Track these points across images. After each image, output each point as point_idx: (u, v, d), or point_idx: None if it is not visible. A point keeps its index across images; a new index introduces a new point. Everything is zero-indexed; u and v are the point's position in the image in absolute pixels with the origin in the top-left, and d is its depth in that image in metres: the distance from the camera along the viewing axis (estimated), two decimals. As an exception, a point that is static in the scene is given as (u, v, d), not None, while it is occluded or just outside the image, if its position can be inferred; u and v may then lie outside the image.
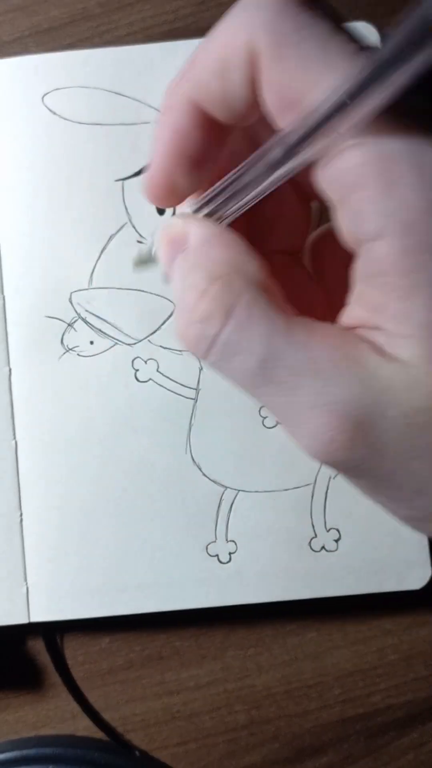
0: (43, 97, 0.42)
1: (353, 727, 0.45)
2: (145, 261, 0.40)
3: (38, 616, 0.42)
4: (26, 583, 0.42)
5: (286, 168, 0.26)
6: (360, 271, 0.25)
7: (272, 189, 0.27)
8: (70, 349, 0.42)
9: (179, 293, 0.28)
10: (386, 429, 0.24)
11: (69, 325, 0.42)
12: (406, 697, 0.45)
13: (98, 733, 0.44)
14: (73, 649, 0.45)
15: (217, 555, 0.42)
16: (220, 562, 0.42)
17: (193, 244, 0.28)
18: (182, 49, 0.41)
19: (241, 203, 0.28)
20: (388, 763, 0.45)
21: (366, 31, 0.40)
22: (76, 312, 0.42)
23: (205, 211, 0.29)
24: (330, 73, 0.24)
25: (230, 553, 0.42)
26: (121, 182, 0.42)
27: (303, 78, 0.24)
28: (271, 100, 0.25)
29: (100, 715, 0.45)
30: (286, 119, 0.25)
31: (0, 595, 0.42)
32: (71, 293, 0.42)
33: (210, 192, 0.29)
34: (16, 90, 0.42)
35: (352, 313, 0.26)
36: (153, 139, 0.29)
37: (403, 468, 0.25)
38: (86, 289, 0.42)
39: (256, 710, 0.45)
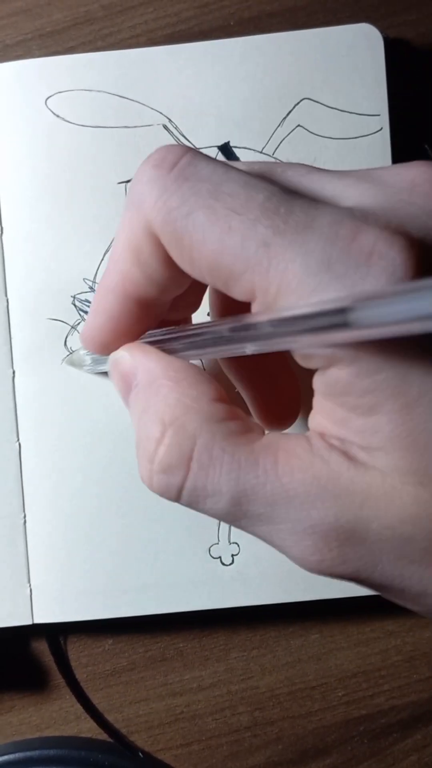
0: (46, 101, 0.42)
1: (357, 728, 0.45)
2: (78, 368, 0.41)
3: (42, 617, 0.42)
4: (30, 585, 0.42)
5: (234, 349, 0.25)
6: (318, 386, 0.24)
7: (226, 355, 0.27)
8: (74, 351, 0.42)
9: (137, 435, 0.27)
10: (373, 541, 0.24)
11: (72, 327, 0.42)
12: (410, 699, 0.45)
13: (102, 735, 0.45)
14: (77, 651, 0.45)
15: (219, 557, 0.42)
16: (223, 564, 0.42)
17: (142, 383, 0.28)
18: (185, 51, 0.41)
19: (193, 353, 0.28)
20: (391, 765, 0.45)
21: (367, 31, 0.40)
22: (79, 314, 0.42)
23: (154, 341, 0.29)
24: (232, 236, 0.23)
25: (233, 555, 0.42)
26: (124, 185, 0.42)
27: (207, 247, 0.24)
28: (187, 269, 0.25)
29: (104, 717, 0.45)
30: (213, 282, 0.25)
31: (3, 596, 0.42)
32: (74, 296, 0.42)
33: (162, 332, 0.29)
34: (19, 93, 0.42)
35: (318, 422, 0.25)
36: (87, 318, 0.30)
37: (400, 574, 0.24)
38: (90, 292, 0.42)
39: (260, 711, 0.45)
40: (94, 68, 0.41)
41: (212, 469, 0.25)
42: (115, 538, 0.42)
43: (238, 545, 0.42)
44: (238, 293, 0.24)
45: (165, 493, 0.26)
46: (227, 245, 0.23)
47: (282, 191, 0.24)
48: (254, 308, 0.24)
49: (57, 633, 0.45)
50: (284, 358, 0.32)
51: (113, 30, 0.44)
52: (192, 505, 0.26)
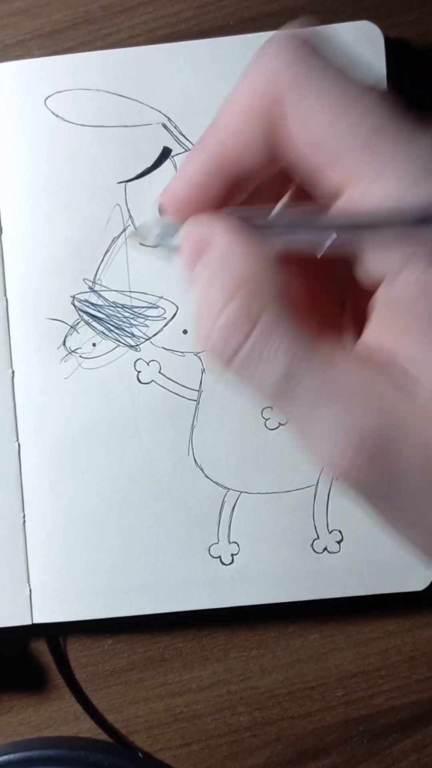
0: (45, 100, 0.42)
1: (356, 728, 0.45)
2: (143, 240, 0.40)
3: (41, 617, 0.42)
4: (29, 585, 0.42)
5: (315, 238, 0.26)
6: (382, 299, 0.25)
7: (296, 248, 0.27)
8: (73, 351, 0.42)
9: (202, 297, 0.27)
10: (404, 461, 0.24)
11: (72, 327, 0.42)
12: (410, 699, 0.45)
13: (101, 735, 0.45)
14: (76, 651, 0.45)
15: (219, 556, 0.42)
16: (223, 563, 0.42)
17: (219, 248, 0.27)
18: (184, 50, 0.41)
19: (275, 236, 0.27)
20: (391, 765, 0.45)
21: (367, 29, 0.40)
22: (78, 314, 0.42)
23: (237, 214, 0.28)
24: (349, 112, 0.24)
25: (233, 555, 0.42)
26: (123, 184, 0.42)
27: (324, 117, 0.24)
28: (294, 142, 0.26)
29: (103, 717, 0.45)
30: (309, 162, 0.25)
31: (3, 596, 0.42)
32: (74, 296, 0.42)
33: (245, 209, 0.28)
34: (19, 93, 0.42)
35: (371, 342, 0.26)
36: (174, 177, 0.29)
37: (421, 499, 0.24)
38: (89, 292, 0.42)
39: (259, 712, 0.45)
40: (93, 68, 0.41)
41: (275, 337, 0.25)
42: (115, 538, 0.42)
43: (238, 545, 0.42)
44: (329, 178, 0.25)
45: (221, 351, 0.26)
46: (342, 121, 0.24)
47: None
48: (341, 202, 0.25)
49: (56, 633, 0.45)
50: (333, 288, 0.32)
51: (112, 30, 0.44)
52: (243, 369, 0.26)
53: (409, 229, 0.22)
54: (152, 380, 0.42)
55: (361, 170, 0.24)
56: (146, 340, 0.42)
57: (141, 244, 0.41)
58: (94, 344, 0.42)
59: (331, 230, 0.25)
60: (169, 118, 0.42)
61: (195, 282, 0.28)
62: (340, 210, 0.25)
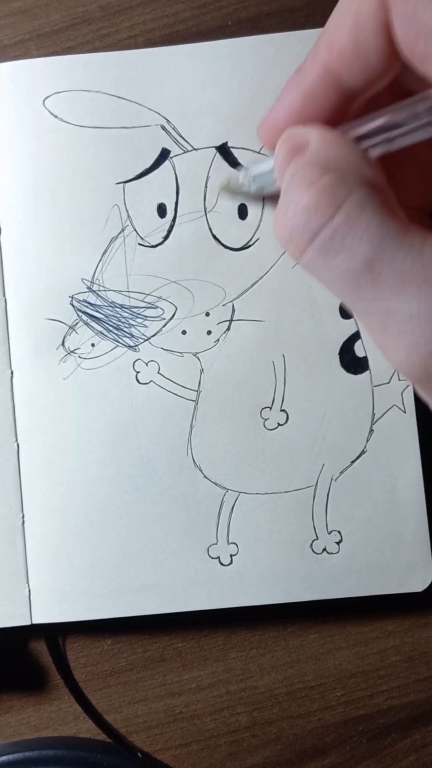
0: (44, 101, 0.42)
1: (355, 728, 0.45)
2: (234, 190, 0.39)
3: (40, 617, 0.42)
4: (28, 585, 0.42)
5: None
6: None
7: (409, 141, 0.26)
8: (72, 352, 0.42)
9: (286, 190, 0.26)
10: None
11: (70, 327, 0.42)
12: (409, 699, 0.45)
13: (100, 735, 0.45)
14: (75, 651, 0.45)
15: (218, 557, 0.42)
16: (222, 564, 0.42)
17: (313, 145, 0.26)
18: (183, 52, 0.41)
19: (380, 140, 0.27)
20: (390, 765, 0.45)
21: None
22: (77, 315, 0.42)
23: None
24: None
25: (231, 556, 0.42)
26: (122, 185, 0.42)
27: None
28: (403, 35, 0.25)
29: (103, 717, 0.45)
30: (420, 54, 0.24)
31: (2, 596, 0.42)
32: (73, 296, 0.42)
33: (348, 124, 0.27)
34: (17, 93, 0.42)
35: None
36: (279, 96, 0.28)
37: None
38: (88, 292, 0.42)
39: (258, 712, 0.45)
40: (92, 69, 0.41)
41: (359, 223, 0.24)
42: (114, 539, 0.42)
43: (237, 545, 0.42)
44: None
45: (297, 237, 0.25)
46: None
47: None
48: None
49: (56, 633, 0.45)
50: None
51: (111, 30, 0.44)
52: (320, 257, 0.25)
53: None
54: (151, 380, 0.42)
55: None
56: (145, 340, 0.42)
57: (234, 193, 0.40)
58: (92, 344, 0.42)
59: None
60: (167, 120, 0.42)
61: (284, 179, 0.27)
62: None
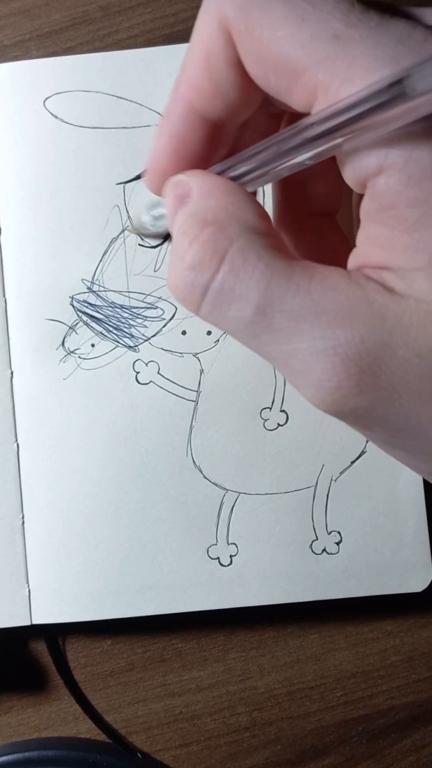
0: (44, 101, 0.42)
1: (355, 728, 0.45)
2: (139, 230, 0.40)
3: (40, 618, 0.42)
4: (28, 585, 0.42)
5: (300, 157, 0.25)
6: (367, 208, 0.24)
7: (289, 172, 0.26)
8: (72, 352, 0.42)
9: (173, 243, 0.26)
10: (397, 371, 0.23)
11: (70, 328, 0.42)
12: (408, 699, 0.45)
13: (100, 735, 0.45)
14: (75, 651, 0.45)
15: (218, 558, 0.42)
16: (221, 564, 0.42)
17: (194, 195, 0.27)
18: (183, 52, 0.41)
19: (257, 176, 0.27)
20: (390, 765, 0.45)
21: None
22: (77, 315, 0.42)
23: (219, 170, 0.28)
24: (305, 23, 0.23)
25: (231, 556, 0.42)
26: (122, 185, 0.42)
27: (280, 34, 0.23)
28: (253, 71, 0.25)
29: (102, 717, 0.45)
30: (277, 86, 0.24)
31: (2, 597, 0.42)
32: (73, 296, 0.42)
33: (227, 162, 0.28)
34: (17, 94, 0.42)
35: (359, 254, 0.25)
36: (152, 143, 0.29)
37: (418, 414, 0.23)
38: (88, 292, 0.42)
39: (258, 712, 0.45)
40: (92, 69, 0.41)
41: (244, 272, 0.24)
42: (114, 539, 0.42)
43: (237, 546, 0.42)
44: (299, 97, 0.24)
45: (189, 294, 0.25)
46: (297, 37, 0.23)
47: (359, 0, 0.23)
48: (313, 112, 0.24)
49: (55, 633, 0.45)
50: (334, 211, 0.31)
51: (111, 30, 0.44)
52: (214, 311, 0.25)
53: (382, 113, 0.21)
54: (151, 381, 0.42)
55: (329, 76, 0.22)
56: (145, 340, 0.42)
57: (141, 237, 0.41)
58: (92, 345, 0.42)
59: (305, 145, 0.24)
60: (167, 120, 0.42)
61: (174, 226, 0.27)
62: (314, 117, 0.24)
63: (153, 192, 0.30)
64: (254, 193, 0.28)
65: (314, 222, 0.30)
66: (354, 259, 0.25)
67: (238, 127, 0.29)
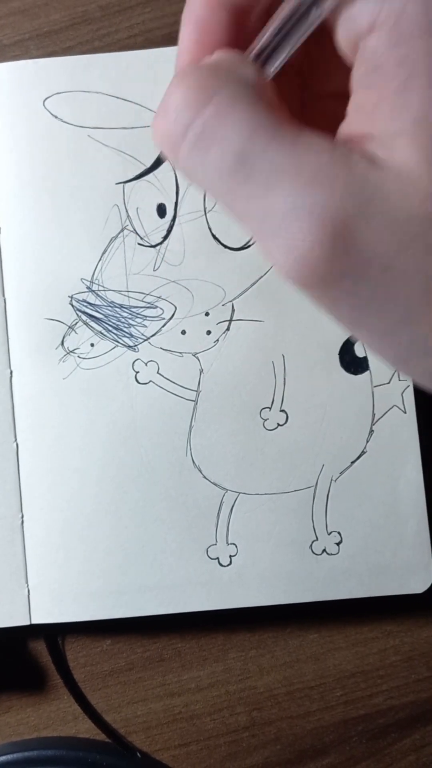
0: (44, 101, 0.42)
1: (355, 728, 0.45)
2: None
3: (40, 618, 0.42)
4: (27, 585, 0.42)
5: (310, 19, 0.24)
6: (356, 74, 0.23)
7: (302, 38, 0.25)
8: (71, 352, 0.42)
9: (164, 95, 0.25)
10: (371, 239, 0.22)
11: (70, 327, 0.42)
12: (408, 699, 0.45)
13: (100, 735, 0.45)
14: (75, 651, 0.45)
15: (217, 558, 0.42)
16: (221, 565, 0.42)
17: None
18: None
19: (275, 46, 0.26)
20: (389, 765, 0.45)
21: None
22: (77, 314, 0.42)
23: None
24: None
25: (231, 556, 0.42)
26: (122, 185, 0.42)
27: None
28: None
29: (102, 717, 0.45)
30: None
31: (2, 597, 0.42)
32: (72, 296, 0.42)
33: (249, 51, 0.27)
34: (17, 94, 0.42)
35: (347, 125, 0.24)
36: (180, 34, 0.28)
37: (385, 289, 0.22)
38: (87, 292, 0.42)
39: (258, 712, 0.45)
40: (92, 69, 0.41)
41: (230, 116, 0.23)
42: (113, 539, 0.42)
43: (236, 546, 0.42)
44: None
45: (170, 133, 0.24)
46: None
47: None
48: None
49: (55, 633, 0.45)
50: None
51: (111, 30, 0.44)
52: (193, 154, 0.24)
53: None
54: (150, 380, 0.42)
55: None
56: (144, 340, 0.42)
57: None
58: (92, 344, 0.42)
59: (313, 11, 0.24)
60: (167, 120, 0.42)
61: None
62: None
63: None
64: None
65: (329, 104, 0.29)
66: (342, 131, 0.25)
67: (263, 14, 0.27)
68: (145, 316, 0.42)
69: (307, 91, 0.29)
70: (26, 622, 0.42)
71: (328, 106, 0.27)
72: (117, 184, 0.42)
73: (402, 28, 0.22)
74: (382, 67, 0.22)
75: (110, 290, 0.42)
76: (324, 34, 0.26)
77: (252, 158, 0.23)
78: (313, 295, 0.24)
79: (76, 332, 0.42)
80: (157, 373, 0.42)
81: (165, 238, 0.42)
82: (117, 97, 0.42)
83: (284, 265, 0.23)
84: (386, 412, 0.42)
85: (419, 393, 0.42)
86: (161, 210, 0.42)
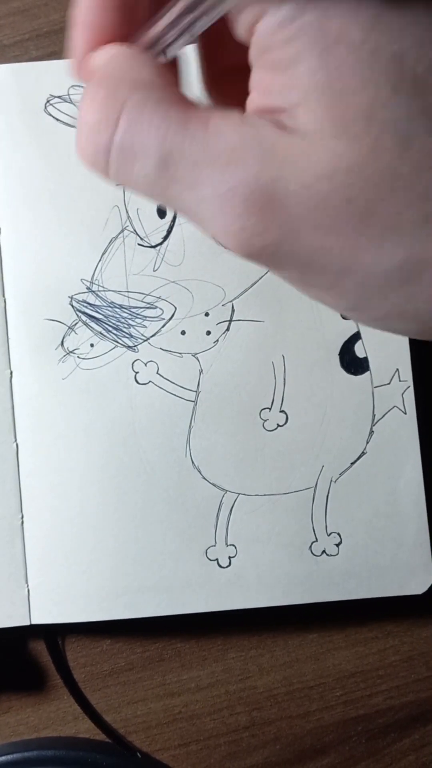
0: (45, 103, 0.42)
1: (354, 728, 0.45)
2: None
3: (39, 618, 0.42)
4: (27, 586, 0.42)
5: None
6: (252, 56, 0.24)
7: (200, 30, 0.26)
8: (71, 352, 0.42)
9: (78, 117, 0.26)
10: (292, 204, 0.23)
11: (69, 327, 0.42)
12: (408, 699, 0.45)
13: (99, 735, 0.45)
14: (75, 651, 0.45)
15: (216, 559, 0.42)
16: (220, 566, 0.42)
17: (99, 69, 0.27)
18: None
19: (172, 36, 0.26)
20: (389, 765, 0.45)
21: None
22: (76, 315, 0.42)
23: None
24: None
25: (230, 557, 0.42)
26: (122, 186, 0.42)
27: None
28: None
29: (102, 717, 0.45)
30: None
31: (1, 597, 0.42)
32: (72, 296, 0.42)
33: (141, 31, 0.27)
34: (18, 96, 0.42)
35: (251, 101, 0.25)
36: (72, 30, 0.29)
37: (321, 246, 0.23)
38: (87, 292, 0.42)
39: (258, 712, 0.45)
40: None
41: (141, 125, 0.24)
42: (113, 540, 0.42)
43: (236, 547, 0.42)
44: None
45: (95, 158, 0.25)
46: None
47: None
48: None
49: (55, 633, 0.45)
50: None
51: (111, 30, 0.43)
52: (121, 170, 0.25)
53: None
54: (150, 381, 0.42)
55: None
56: (144, 340, 0.42)
57: None
58: (92, 345, 0.42)
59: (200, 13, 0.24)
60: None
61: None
62: None
63: (82, 78, 0.30)
64: (175, 60, 0.28)
65: (236, 76, 0.29)
66: (249, 106, 0.25)
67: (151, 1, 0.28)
68: (145, 317, 0.42)
69: (211, 65, 0.30)
70: (26, 623, 0.42)
71: (236, 78, 0.28)
72: (117, 185, 0.42)
73: (285, 12, 0.23)
74: (271, 48, 0.23)
75: (110, 290, 0.42)
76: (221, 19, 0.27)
77: (172, 160, 0.24)
78: (262, 264, 0.25)
79: (75, 332, 0.42)
80: (157, 373, 0.42)
81: (165, 238, 0.42)
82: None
83: (228, 245, 0.24)
84: (386, 413, 0.42)
85: (419, 394, 0.42)
86: (161, 211, 0.42)
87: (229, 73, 0.29)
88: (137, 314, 0.42)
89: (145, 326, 0.42)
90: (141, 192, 0.25)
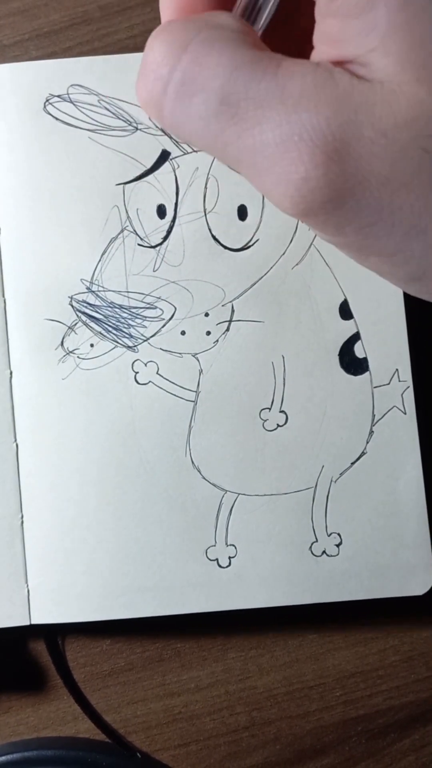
0: (45, 103, 0.42)
1: (354, 728, 0.45)
2: None
3: (39, 618, 0.42)
4: (27, 586, 0.42)
5: None
6: (319, 4, 0.23)
7: None
8: (71, 352, 0.42)
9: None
10: (364, 154, 0.22)
11: (69, 327, 0.42)
12: (408, 699, 0.45)
13: (99, 735, 0.45)
14: (74, 651, 0.45)
15: (216, 559, 0.42)
16: (220, 566, 0.42)
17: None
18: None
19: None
20: (389, 765, 0.45)
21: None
22: (76, 315, 0.42)
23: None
24: None
25: (230, 558, 0.42)
26: (122, 186, 0.42)
27: None
28: None
29: (102, 717, 0.45)
30: None
31: (1, 597, 0.42)
32: (72, 296, 0.42)
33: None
34: (18, 96, 0.42)
35: (316, 55, 0.24)
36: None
37: (390, 202, 0.22)
38: (87, 292, 0.42)
39: (257, 712, 0.45)
40: (93, 72, 0.41)
41: (208, 60, 0.23)
42: (113, 540, 0.42)
43: (236, 547, 0.42)
44: None
45: (151, 90, 0.24)
46: None
47: None
48: None
49: (54, 633, 0.45)
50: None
51: (110, 30, 0.44)
52: (178, 106, 0.23)
53: None
54: (150, 381, 0.42)
55: None
56: (144, 340, 0.42)
57: None
58: (91, 345, 0.42)
59: None
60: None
61: None
62: None
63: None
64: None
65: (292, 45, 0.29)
66: (312, 60, 0.24)
67: None
68: (145, 317, 0.42)
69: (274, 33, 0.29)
70: (26, 622, 0.42)
71: (293, 46, 0.26)
72: (117, 185, 0.42)
73: None
74: None
75: (110, 291, 0.42)
76: None
77: (236, 96, 0.22)
78: (317, 224, 0.23)
79: (75, 333, 0.42)
80: (157, 373, 0.42)
81: (165, 238, 0.42)
82: (118, 99, 0.42)
83: (283, 199, 0.23)
84: (386, 413, 0.42)
85: (419, 394, 0.43)
86: (161, 211, 0.42)
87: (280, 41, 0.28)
88: (137, 314, 0.42)
89: (145, 326, 0.42)
90: (192, 135, 0.24)
